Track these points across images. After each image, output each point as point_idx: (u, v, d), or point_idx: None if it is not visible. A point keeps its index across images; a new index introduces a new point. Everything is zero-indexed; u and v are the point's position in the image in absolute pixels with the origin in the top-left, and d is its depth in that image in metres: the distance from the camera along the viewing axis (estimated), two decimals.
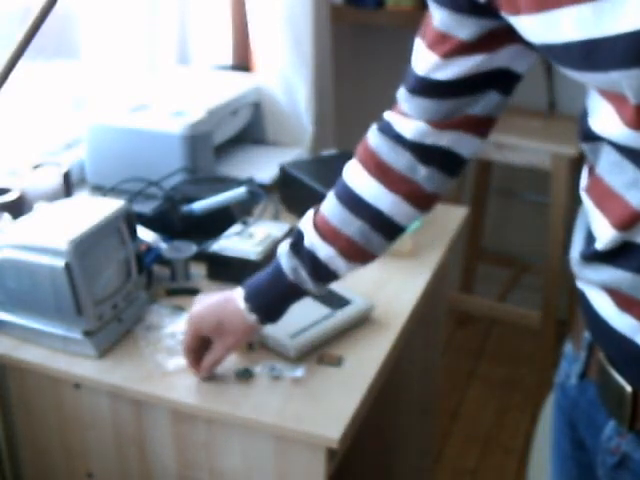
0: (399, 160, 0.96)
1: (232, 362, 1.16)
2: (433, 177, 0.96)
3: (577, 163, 2.25)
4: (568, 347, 0.93)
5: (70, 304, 1.16)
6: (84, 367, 1.17)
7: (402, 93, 0.95)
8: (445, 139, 0.93)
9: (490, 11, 0.79)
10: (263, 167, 1.81)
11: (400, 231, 1.02)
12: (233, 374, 1.14)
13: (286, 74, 1.97)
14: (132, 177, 1.57)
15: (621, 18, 0.63)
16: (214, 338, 1.09)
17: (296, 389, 1.12)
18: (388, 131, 0.97)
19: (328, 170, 1.71)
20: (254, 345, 1.19)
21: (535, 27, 0.72)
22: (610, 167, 0.73)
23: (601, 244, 0.75)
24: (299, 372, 1.13)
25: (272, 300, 1.06)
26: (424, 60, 0.89)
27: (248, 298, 1.06)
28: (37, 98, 1.72)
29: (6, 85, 1.18)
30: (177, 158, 1.61)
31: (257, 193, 1.55)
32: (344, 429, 1.04)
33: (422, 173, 0.95)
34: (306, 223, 1.03)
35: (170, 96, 1.79)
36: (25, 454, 1.27)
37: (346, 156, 1.75)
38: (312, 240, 1.01)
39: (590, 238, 0.78)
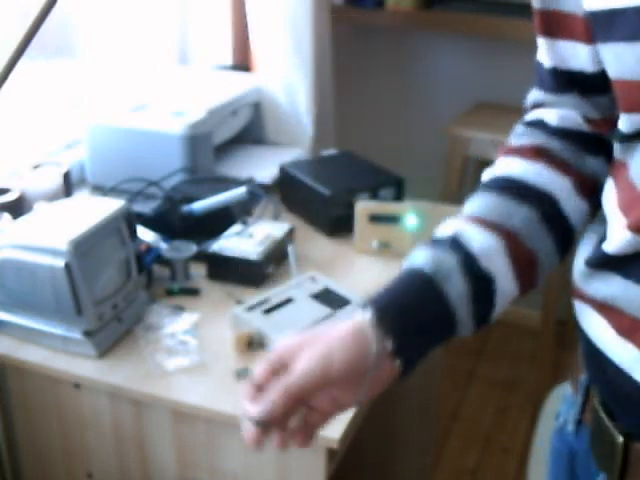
0: (561, 147, 0.80)
1: (232, 362, 1.17)
2: (601, 167, 0.80)
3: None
4: (567, 390, 0.88)
5: (70, 304, 1.16)
6: (84, 367, 1.17)
7: (537, 96, 0.84)
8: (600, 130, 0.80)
9: None
10: (263, 167, 1.81)
11: (569, 232, 0.79)
12: (233, 374, 1.14)
13: (286, 74, 1.97)
14: (132, 177, 1.57)
15: None
16: (302, 353, 0.71)
17: None
18: (538, 125, 0.82)
19: (328, 170, 1.71)
20: (254, 345, 1.19)
21: None
22: None
23: (612, 246, 0.69)
24: None
25: (405, 309, 0.73)
26: (546, 51, 0.79)
27: (373, 308, 0.73)
28: (37, 98, 1.72)
29: (6, 85, 1.18)
30: (177, 158, 1.61)
31: (257, 193, 1.55)
32: (344, 429, 1.04)
33: (589, 162, 0.80)
34: (445, 226, 0.78)
35: (170, 96, 1.79)
36: (25, 454, 1.27)
37: (346, 156, 1.77)
38: (461, 229, 0.75)
39: (599, 245, 0.72)
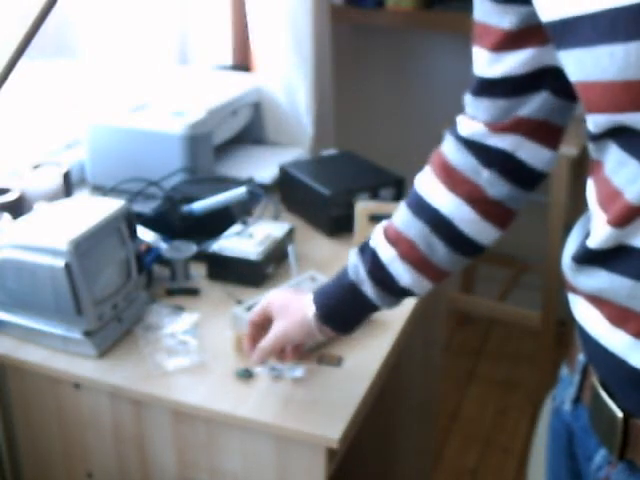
0: (463, 161, 0.93)
1: (232, 362, 1.17)
2: (495, 181, 0.92)
3: (577, 163, 2.25)
4: (563, 370, 0.91)
5: (70, 304, 1.16)
6: (84, 367, 1.17)
7: (466, 95, 0.92)
8: (505, 142, 0.89)
9: None
10: (263, 167, 1.81)
11: (469, 243, 0.95)
12: (233, 374, 1.14)
13: (286, 74, 1.97)
14: (132, 177, 1.57)
15: None
16: (275, 319, 1.06)
17: (296, 389, 1.12)
18: (454, 132, 0.95)
19: (328, 170, 1.71)
20: None
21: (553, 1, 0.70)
22: (616, 166, 0.72)
23: (594, 242, 0.73)
24: (299, 372, 1.13)
25: (332, 298, 1.02)
26: (477, 58, 0.88)
27: (315, 293, 1.04)
28: (37, 98, 1.72)
29: (6, 85, 1.18)
30: (177, 158, 1.61)
31: (257, 193, 1.55)
32: (344, 429, 1.04)
33: (484, 176, 0.92)
34: (378, 227, 1.01)
35: (170, 96, 1.79)
36: (25, 454, 1.27)
37: (346, 156, 1.77)
38: (377, 240, 0.99)
39: (584, 240, 0.76)
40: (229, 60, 2.09)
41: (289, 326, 1.04)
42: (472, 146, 0.92)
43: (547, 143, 0.90)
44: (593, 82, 0.68)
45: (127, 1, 1.91)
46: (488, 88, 0.87)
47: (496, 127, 0.89)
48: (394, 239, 0.97)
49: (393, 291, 1.00)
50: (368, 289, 0.99)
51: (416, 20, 2.58)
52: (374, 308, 1.02)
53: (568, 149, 2.23)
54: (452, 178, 0.93)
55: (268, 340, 1.05)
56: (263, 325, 1.08)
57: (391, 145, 2.80)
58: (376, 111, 2.85)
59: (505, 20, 0.82)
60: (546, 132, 0.89)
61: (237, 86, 1.89)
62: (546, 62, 0.83)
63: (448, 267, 0.98)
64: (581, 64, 0.69)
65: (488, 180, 0.92)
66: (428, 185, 0.96)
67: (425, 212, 0.95)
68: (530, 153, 0.90)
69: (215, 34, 2.06)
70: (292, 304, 1.05)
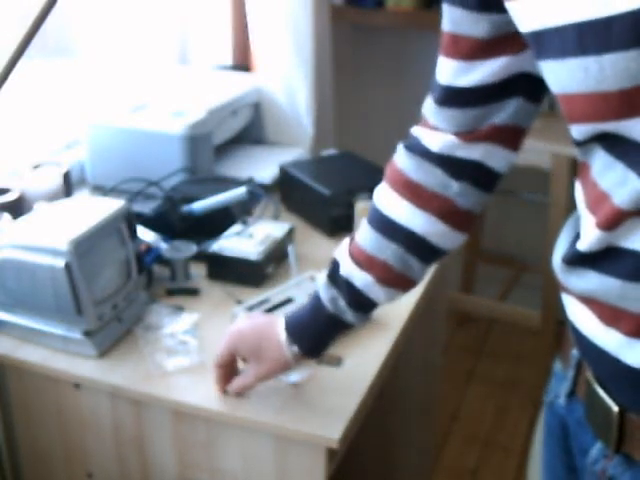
0: (429, 177, 0.92)
1: None
2: (466, 192, 0.92)
3: (577, 163, 2.25)
4: (557, 365, 0.92)
5: (70, 304, 1.16)
6: (84, 367, 1.17)
7: (429, 106, 0.91)
8: (476, 152, 0.89)
9: (497, 3, 0.77)
10: (263, 167, 1.81)
11: (438, 253, 0.97)
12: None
13: (286, 74, 1.97)
14: (132, 177, 1.57)
15: None
16: (249, 361, 1.06)
17: (296, 389, 1.12)
18: (415, 147, 0.93)
19: (328, 170, 1.71)
20: None
21: (527, 11, 0.71)
22: (602, 169, 0.72)
23: (584, 245, 0.73)
24: (295, 377, 1.13)
25: (313, 332, 1.02)
26: (444, 68, 0.87)
27: (288, 329, 1.02)
28: (37, 98, 1.72)
29: (6, 85, 1.18)
30: (177, 158, 1.61)
31: (257, 193, 1.55)
32: (344, 429, 1.04)
33: (454, 188, 0.91)
34: (341, 252, 1.00)
35: (170, 96, 1.79)
36: (25, 454, 1.27)
37: (346, 156, 1.77)
38: (348, 269, 0.97)
39: (574, 242, 0.77)
40: (229, 60, 2.09)
41: (270, 368, 1.04)
42: (440, 160, 0.91)
43: (514, 147, 0.91)
44: (573, 94, 0.69)
45: (127, 1, 1.91)
46: (457, 97, 0.87)
47: (467, 137, 0.88)
48: (367, 264, 0.96)
49: (370, 310, 1.01)
50: (349, 317, 1.00)
51: (416, 20, 2.58)
52: (352, 328, 1.04)
53: (568, 149, 2.23)
54: (419, 195, 0.93)
55: (248, 381, 1.07)
56: (231, 365, 1.09)
57: (391, 145, 2.79)
58: (376, 111, 2.85)
59: (478, 29, 0.82)
60: (514, 136, 0.90)
61: (237, 86, 1.89)
62: (520, 69, 0.84)
63: (420, 277, 0.99)
64: (557, 76, 0.70)
65: (458, 192, 0.92)
66: (393, 204, 0.95)
67: (397, 233, 0.94)
68: (499, 159, 0.91)
69: (215, 34, 2.06)
70: (263, 344, 1.03)
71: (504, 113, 0.86)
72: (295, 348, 1.02)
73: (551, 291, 2.40)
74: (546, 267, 2.40)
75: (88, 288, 1.16)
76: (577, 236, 0.77)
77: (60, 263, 1.14)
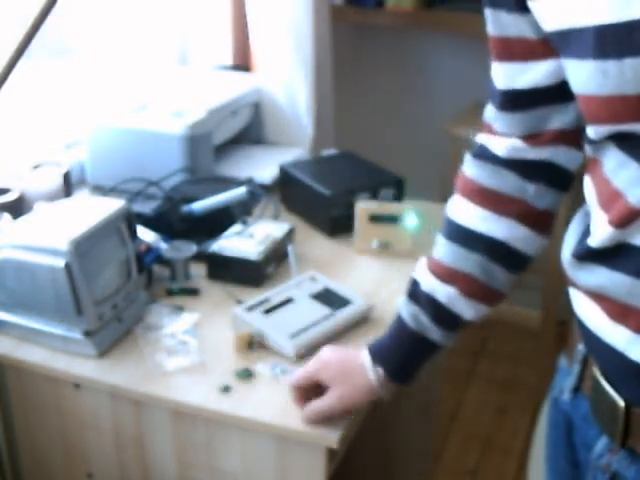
0: (503, 182, 0.90)
1: (232, 362, 1.17)
2: (543, 193, 0.90)
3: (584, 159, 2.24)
4: (562, 361, 0.92)
5: (70, 304, 1.16)
6: (84, 367, 1.17)
7: (490, 112, 0.91)
8: (544, 153, 0.88)
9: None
10: (263, 167, 1.81)
11: (523, 259, 0.94)
12: (233, 374, 1.14)
13: (286, 74, 1.97)
14: (132, 177, 1.57)
15: (638, 4, 0.62)
16: (331, 386, 1.01)
17: None
18: (484, 155, 0.92)
19: (328, 170, 1.71)
20: (254, 345, 1.19)
21: (548, 11, 0.71)
22: (616, 167, 0.72)
23: (595, 241, 0.74)
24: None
25: (397, 353, 0.98)
26: (500, 73, 0.86)
27: (372, 352, 0.99)
28: (37, 98, 1.72)
29: (6, 85, 1.18)
30: (177, 158, 1.61)
31: (257, 193, 1.55)
32: (344, 429, 1.04)
33: (531, 191, 0.90)
34: (420, 270, 0.98)
35: (170, 96, 1.79)
36: (25, 454, 1.27)
37: (346, 156, 1.77)
38: (430, 284, 0.95)
39: (584, 237, 0.77)
40: (229, 60, 2.09)
41: (354, 394, 1.00)
42: (513, 164, 0.90)
43: (579, 145, 0.89)
44: (591, 95, 0.69)
45: (127, 1, 1.91)
46: (517, 100, 0.86)
47: (535, 140, 0.87)
48: (449, 277, 0.94)
49: (458, 327, 0.98)
50: (434, 334, 0.97)
51: (416, 20, 2.58)
52: (438, 349, 1.00)
53: None
54: (496, 201, 0.91)
55: (325, 404, 1.01)
56: (310, 389, 1.04)
57: (391, 145, 2.80)
58: (376, 111, 2.85)
59: (527, 30, 0.81)
60: (578, 135, 0.87)
61: (237, 86, 1.89)
62: None
63: (506, 289, 0.96)
64: (577, 77, 0.70)
65: (535, 194, 0.90)
66: (470, 214, 0.93)
67: (478, 243, 0.92)
68: (568, 158, 0.89)
69: (215, 34, 2.06)
70: (348, 369, 1.00)
71: (567, 115, 0.85)
72: (380, 370, 0.98)
73: (551, 291, 2.40)
74: (546, 267, 2.41)
75: (88, 288, 1.16)
76: (586, 232, 0.77)
77: (60, 263, 1.14)
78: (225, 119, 1.78)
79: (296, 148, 1.96)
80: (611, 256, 0.73)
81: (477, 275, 0.93)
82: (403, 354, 0.99)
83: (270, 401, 1.09)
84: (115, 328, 1.22)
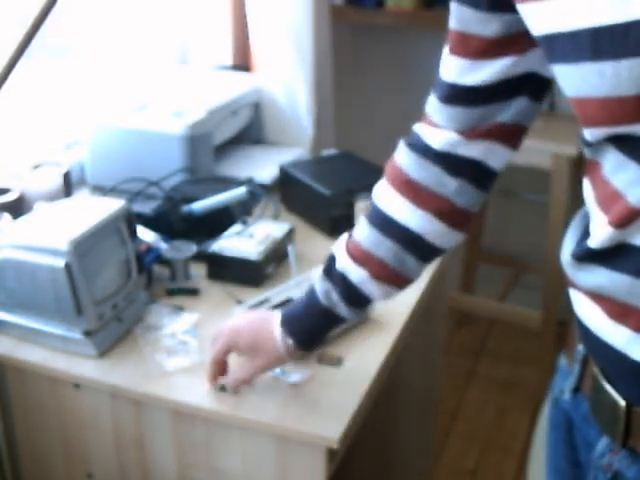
0: (427, 175, 0.92)
1: (232, 362, 1.16)
2: (463, 190, 0.92)
3: (577, 163, 2.25)
4: (562, 361, 0.92)
5: (70, 304, 1.16)
6: (84, 367, 1.17)
7: (432, 103, 0.91)
8: (476, 150, 0.89)
9: (508, 3, 0.78)
10: (263, 167, 1.81)
11: (435, 252, 0.97)
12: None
13: (286, 74, 1.97)
14: (132, 177, 1.57)
15: (635, 4, 0.62)
16: (245, 356, 1.08)
17: (296, 389, 1.12)
18: (416, 145, 0.93)
19: (328, 170, 1.71)
20: None
21: (540, 14, 0.71)
22: (614, 168, 0.72)
23: (595, 242, 0.74)
24: (296, 377, 1.13)
25: (307, 325, 1.03)
26: (450, 66, 0.87)
27: (283, 323, 1.04)
28: (37, 98, 1.72)
29: (6, 85, 1.18)
30: (177, 158, 1.61)
31: (257, 193, 1.55)
32: (344, 429, 1.04)
33: (452, 186, 0.91)
34: (338, 247, 1.01)
35: (170, 96, 1.79)
36: (25, 454, 1.27)
37: (346, 156, 1.77)
38: (344, 263, 0.98)
39: (583, 238, 0.77)
40: (229, 60, 2.09)
41: (265, 361, 1.06)
42: (440, 157, 0.91)
43: (514, 145, 0.91)
44: (587, 98, 0.69)
45: (127, 1, 1.91)
46: (462, 96, 0.87)
47: (470, 134, 0.88)
48: (363, 259, 0.97)
49: (364, 306, 1.03)
50: (342, 310, 1.01)
51: (416, 20, 2.58)
52: (345, 321, 1.05)
53: (568, 149, 2.23)
54: (417, 194, 0.93)
55: (245, 375, 1.08)
56: (225, 361, 1.11)
57: (391, 145, 2.79)
58: (376, 111, 2.85)
59: (488, 28, 0.82)
60: (516, 135, 0.90)
61: (237, 86, 1.89)
62: (526, 68, 0.84)
63: (416, 275, 0.99)
64: (571, 80, 0.70)
65: (456, 190, 0.92)
66: (392, 202, 0.95)
67: (394, 231, 0.95)
68: (498, 157, 0.91)
69: (215, 34, 2.06)
70: (259, 338, 1.05)
71: (508, 112, 0.87)
72: (290, 341, 1.03)
73: (551, 291, 2.40)
74: (546, 267, 2.41)
75: (88, 288, 1.16)
76: (586, 232, 0.77)
77: (60, 263, 1.14)
78: (225, 119, 1.78)
79: (296, 148, 1.96)
80: (611, 256, 0.73)
81: (389, 261, 0.96)
82: (312, 326, 1.04)
83: (270, 401, 1.09)
84: (115, 328, 1.22)
